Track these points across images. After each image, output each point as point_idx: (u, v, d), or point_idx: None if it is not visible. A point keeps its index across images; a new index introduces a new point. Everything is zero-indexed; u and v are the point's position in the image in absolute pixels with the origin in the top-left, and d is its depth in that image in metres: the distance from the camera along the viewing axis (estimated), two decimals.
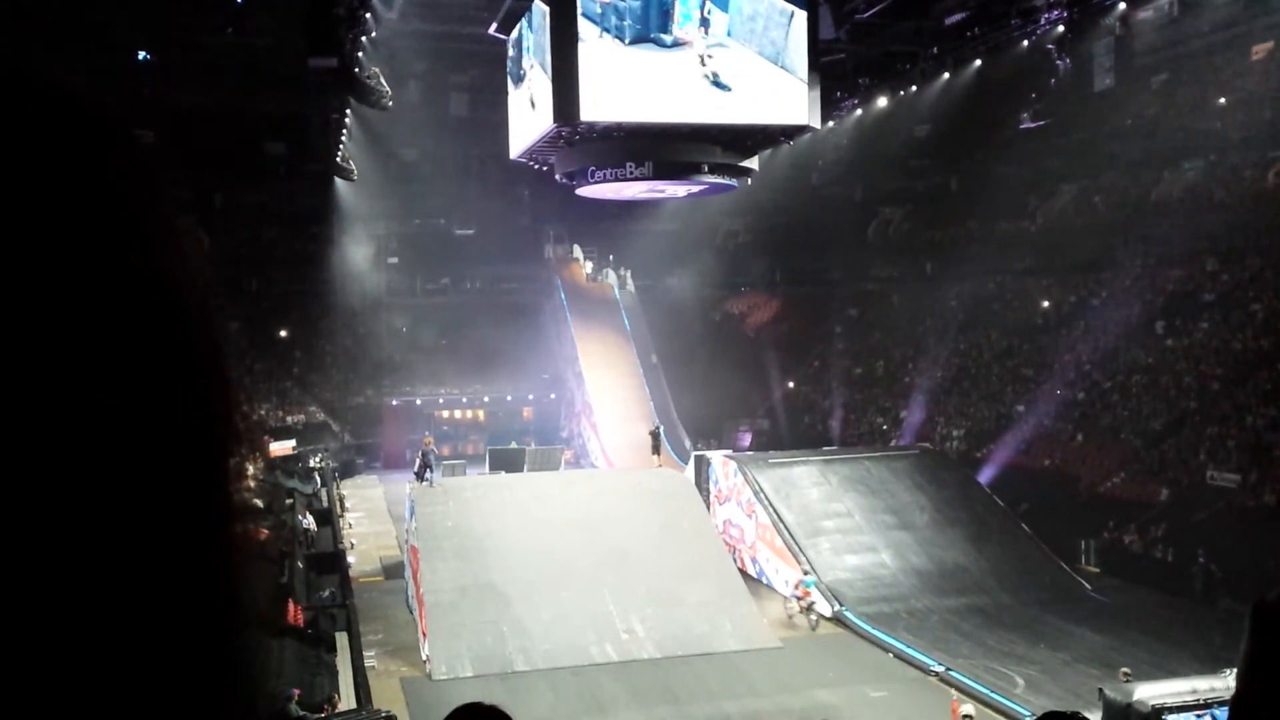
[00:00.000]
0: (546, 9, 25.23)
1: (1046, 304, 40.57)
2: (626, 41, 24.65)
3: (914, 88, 38.24)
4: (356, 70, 32.75)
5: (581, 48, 24.55)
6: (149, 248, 0.59)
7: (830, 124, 38.80)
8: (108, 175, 0.58)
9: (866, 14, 33.48)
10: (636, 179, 27.16)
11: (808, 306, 50.50)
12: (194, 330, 0.60)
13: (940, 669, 19.60)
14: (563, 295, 44.80)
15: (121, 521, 0.54)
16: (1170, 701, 14.20)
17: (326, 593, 23.70)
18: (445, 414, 48.22)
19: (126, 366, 0.56)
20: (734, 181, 28.64)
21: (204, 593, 0.59)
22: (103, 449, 0.54)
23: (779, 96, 25.61)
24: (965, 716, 16.03)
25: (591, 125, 25.78)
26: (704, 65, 24.84)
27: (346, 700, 17.43)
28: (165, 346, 0.58)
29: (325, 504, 33.17)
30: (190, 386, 0.59)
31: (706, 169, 27.30)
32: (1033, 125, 37.91)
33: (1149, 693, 14.49)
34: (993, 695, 18.21)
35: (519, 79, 28.25)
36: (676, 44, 24.86)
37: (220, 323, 0.62)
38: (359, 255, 47.71)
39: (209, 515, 0.60)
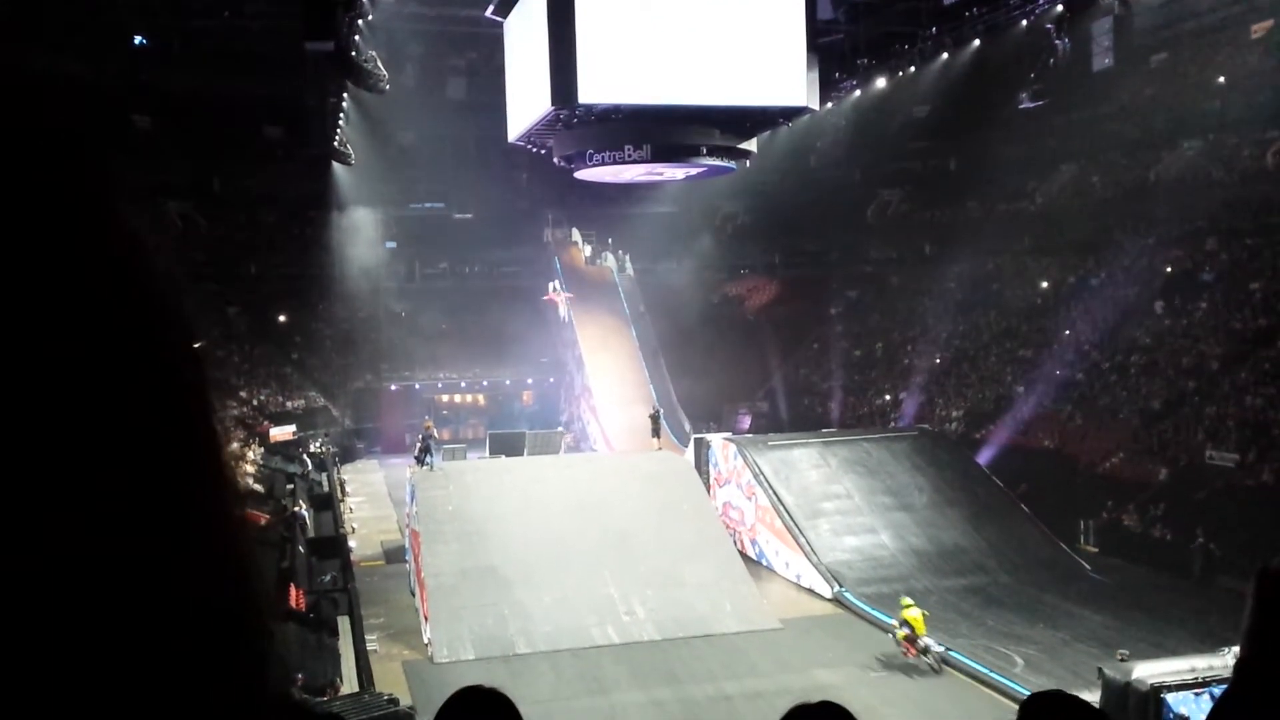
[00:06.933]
0: None
1: (1045, 284, 40.60)
2: None
3: (912, 68, 38.09)
4: (354, 54, 32.59)
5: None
6: (101, 234, 0.57)
7: (828, 105, 38.67)
8: (50, 163, 0.56)
9: None
10: (635, 162, 27.10)
11: (807, 289, 50.47)
12: (153, 317, 0.58)
13: (940, 649, 19.67)
14: (561, 279, 44.74)
15: (100, 513, 0.53)
16: (1169, 680, 14.26)
17: (328, 577, 23.78)
18: (445, 398, 48.26)
19: (87, 354, 0.54)
20: (732, 164, 28.59)
21: (215, 578, 0.58)
22: (63, 437, 0.52)
23: (777, 77, 25.55)
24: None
25: (590, 108, 25.71)
26: None
27: (348, 684, 17.52)
28: (123, 337, 0.56)
29: (326, 488, 33.22)
30: (152, 373, 0.57)
31: (705, 151, 27.24)
32: (1031, 105, 37.74)
33: (1148, 671, 14.56)
34: (992, 675, 18.29)
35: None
36: None
37: (183, 306, 0.60)
38: (357, 240, 47.60)
39: (190, 502, 0.58)
